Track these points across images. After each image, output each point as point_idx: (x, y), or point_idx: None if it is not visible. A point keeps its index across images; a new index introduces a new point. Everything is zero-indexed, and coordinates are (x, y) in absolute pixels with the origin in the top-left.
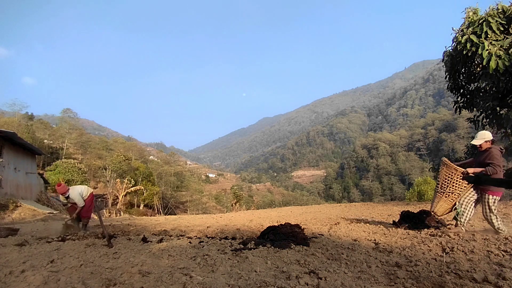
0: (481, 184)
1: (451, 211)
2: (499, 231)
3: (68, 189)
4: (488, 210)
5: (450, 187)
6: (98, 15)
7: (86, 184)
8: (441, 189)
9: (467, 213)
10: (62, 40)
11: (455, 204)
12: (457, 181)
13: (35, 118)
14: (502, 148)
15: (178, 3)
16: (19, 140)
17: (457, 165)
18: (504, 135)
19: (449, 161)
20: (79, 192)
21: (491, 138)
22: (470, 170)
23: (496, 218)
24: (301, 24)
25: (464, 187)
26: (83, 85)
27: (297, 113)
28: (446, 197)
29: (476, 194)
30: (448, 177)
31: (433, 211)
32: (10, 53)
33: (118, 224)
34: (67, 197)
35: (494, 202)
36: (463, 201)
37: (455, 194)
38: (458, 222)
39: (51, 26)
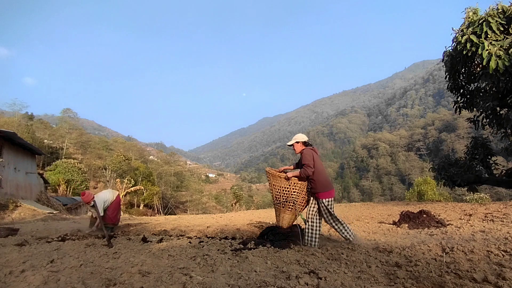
0: (481, 183)
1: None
2: (348, 238)
3: (93, 197)
4: (327, 216)
5: (283, 196)
6: (99, 15)
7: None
8: (276, 200)
9: (313, 229)
10: (63, 40)
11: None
12: (285, 188)
13: (35, 118)
14: (313, 148)
15: (178, 3)
16: (19, 140)
17: (282, 170)
18: (504, 135)
19: (272, 170)
20: (104, 200)
21: (304, 139)
22: (290, 174)
23: (340, 224)
24: (301, 25)
25: (294, 192)
26: (83, 85)
27: (297, 113)
28: (283, 207)
29: (315, 205)
30: (277, 186)
31: (279, 225)
32: (11, 53)
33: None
34: (92, 206)
35: (329, 205)
36: (308, 216)
37: (290, 202)
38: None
39: (52, 27)
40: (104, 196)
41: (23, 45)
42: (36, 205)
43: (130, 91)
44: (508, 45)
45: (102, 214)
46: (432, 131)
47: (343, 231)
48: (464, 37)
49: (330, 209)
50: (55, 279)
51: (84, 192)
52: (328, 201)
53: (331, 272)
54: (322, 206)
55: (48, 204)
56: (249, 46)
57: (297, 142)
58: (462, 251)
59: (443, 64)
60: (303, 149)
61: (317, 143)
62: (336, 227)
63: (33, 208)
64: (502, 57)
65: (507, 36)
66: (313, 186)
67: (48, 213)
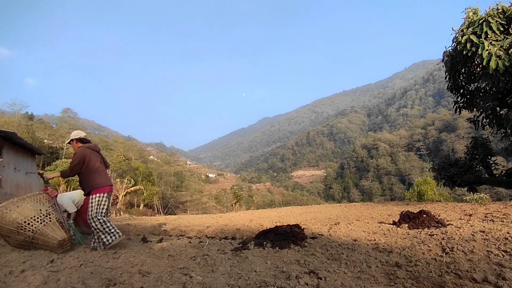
0: (481, 183)
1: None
2: (104, 242)
3: (56, 195)
4: (92, 211)
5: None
6: (98, 15)
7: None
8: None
9: (103, 226)
10: (63, 41)
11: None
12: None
13: (35, 118)
14: (90, 146)
15: (178, 3)
16: (19, 140)
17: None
18: (504, 135)
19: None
20: (69, 198)
21: (79, 136)
22: (50, 176)
23: (102, 223)
24: (302, 25)
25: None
26: (83, 85)
27: (297, 113)
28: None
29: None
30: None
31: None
32: (13, 54)
33: (118, 224)
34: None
35: (100, 202)
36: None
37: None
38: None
39: (53, 27)
40: (71, 196)
41: (24, 46)
42: None
43: (130, 91)
44: (508, 45)
45: (74, 210)
46: (432, 131)
47: (101, 234)
48: (464, 37)
49: (98, 205)
50: (55, 279)
51: (47, 189)
52: (99, 196)
53: (331, 272)
54: (91, 201)
55: None
56: (249, 46)
57: (72, 140)
58: (462, 251)
59: (443, 64)
60: (78, 148)
61: (317, 143)
62: (95, 225)
63: None
64: (502, 57)
65: (507, 36)
66: (85, 185)
67: None
